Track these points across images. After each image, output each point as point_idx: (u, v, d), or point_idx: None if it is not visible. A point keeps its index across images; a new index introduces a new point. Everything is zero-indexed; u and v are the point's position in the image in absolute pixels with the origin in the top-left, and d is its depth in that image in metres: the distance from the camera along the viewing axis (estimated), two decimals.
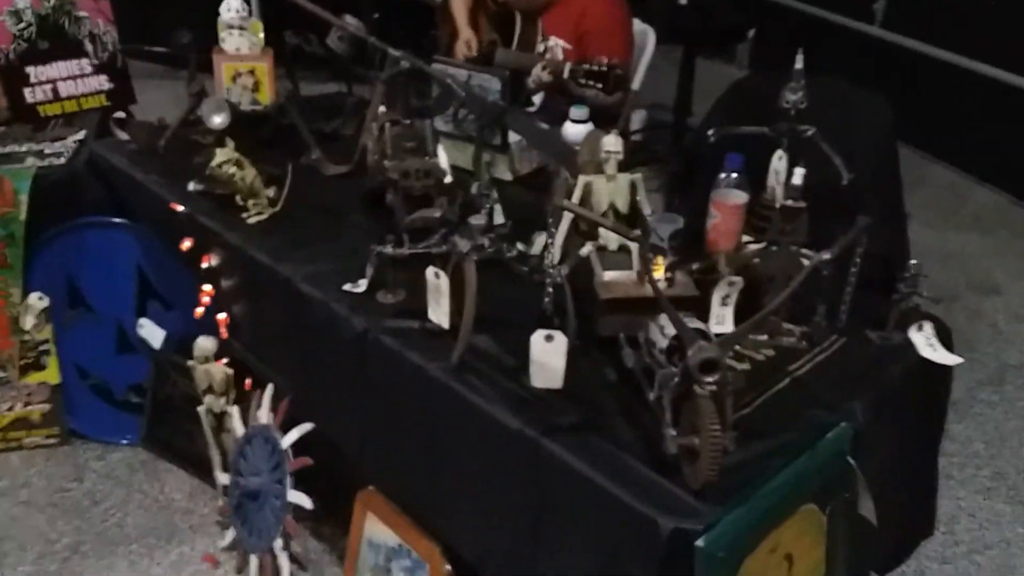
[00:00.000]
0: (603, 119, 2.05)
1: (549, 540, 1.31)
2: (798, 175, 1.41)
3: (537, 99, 2.62)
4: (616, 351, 1.40)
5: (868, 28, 4.51)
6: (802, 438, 1.28)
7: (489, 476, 1.38)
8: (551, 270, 1.36)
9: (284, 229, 1.85)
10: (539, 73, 2.31)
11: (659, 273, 1.39)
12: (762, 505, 1.17)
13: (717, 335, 1.33)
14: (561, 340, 1.24)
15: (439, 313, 1.44)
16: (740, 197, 1.72)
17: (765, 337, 1.50)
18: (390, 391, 1.52)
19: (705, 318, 1.46)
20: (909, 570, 2.01)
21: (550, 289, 1.31)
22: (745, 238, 1.73)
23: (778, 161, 1.63)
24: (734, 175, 1.72)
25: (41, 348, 2.26)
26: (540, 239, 1.79)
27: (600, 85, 2.12)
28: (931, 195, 3.91)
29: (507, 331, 1.47)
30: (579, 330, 1.40)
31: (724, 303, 1.47)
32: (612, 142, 1.62)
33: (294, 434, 1.85)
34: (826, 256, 1.17)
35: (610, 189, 1.65)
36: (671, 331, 1.20)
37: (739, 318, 1.47)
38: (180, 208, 1.96)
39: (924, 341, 1.52)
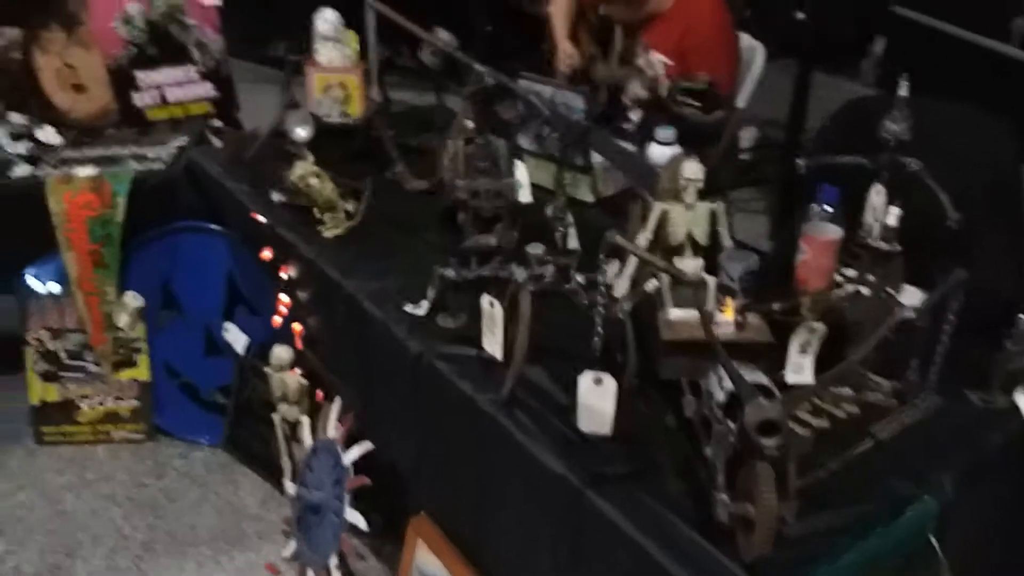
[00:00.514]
0: (703, 138, 1.94)
1: None
2: (893, 216, 1.27)
3: (636, 116, 2.52)
4: (677, 396, 1.30)
5: (1005, 48, 4.15)
6: (879, 511, 1.14)
7: (531, 518, 1.30)
8: (608, 304, 1.27)
9: (358, 244, 1.83)
10: (636, 89, 2.22)
11: (728, 315, 1.28)
12: None
13: (789, 388, 1.22)
14: (610, 384, 1.16)
15: (493, 343, 1.38)
16: (833, 232, 1.58)
17: (848, 391, 1.37)
18: (442, 418, 1.47)
19: (781, 366, 1.34)
20: None
21: (600, 327, 1.22)
22: (837, 278, 1.59)
23: (876, 196, 1.48)
24: (827, 208, 1.59)
25: (133, 346, 2.34)
26: (612, 268, 1.71)
27: (699, 103, 2.01)
28: None
29: (563, 366, 1.39)
30: (641, 370, 1.31)
31: (803, 351, 1.34)
32: (692, 169, 1.51)
33: (355, 451, 1.83)
34: (912, 309, 1.04)
35: (688, 218, 1.54)
36: (729, 384, 1.09)
37: (820, 369, 1.34)
38: (261, 218, 1.98)
39: None
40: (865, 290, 1.38)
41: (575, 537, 1.21)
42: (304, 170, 1.85)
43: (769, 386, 1.08)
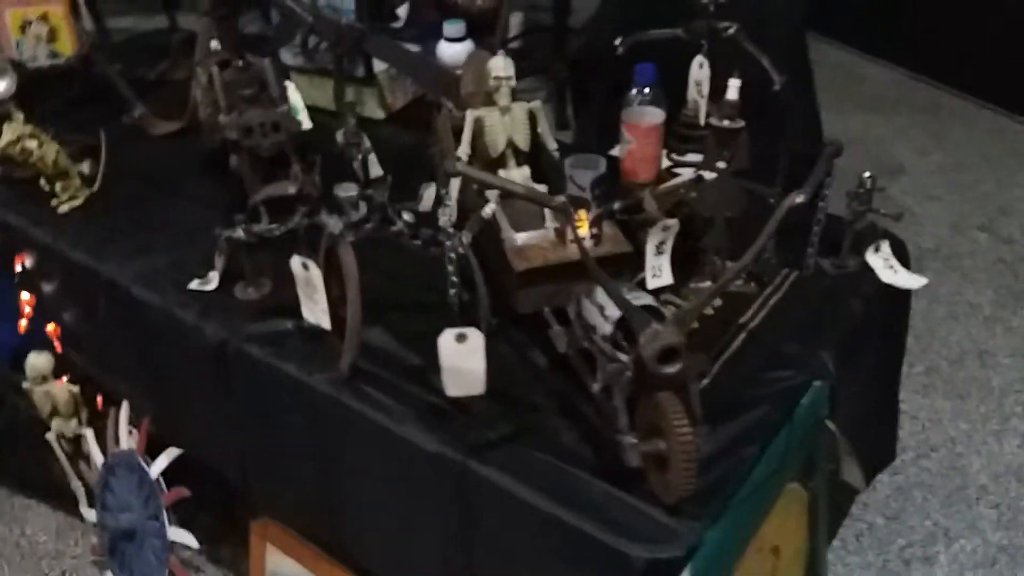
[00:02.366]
0: (479, 28, 1.74)
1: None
2: (733, 88, 1.15)
3: (402, 12, 2.24)
4: (540, 328, 1.14)
5: None
6: (775, 410, 1.06)
7: (407, 504, 1.11)
8: (449, 242, 1.07)
9: (106, 214, 1.48)
10: None
11: (583, 230, 1.13)
12: (747, 505, 0.96)
13: (660, 297, 1.09)
14: (477, 338, 0.97)
15: (316, 311, 1.14)
16: (657, 116, 1.46)
17: (709, 284, 1.28)
18: (267, 409, 1.23)
19: (634, 272, 1.22)
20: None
21: (452, 270, 1.02)
22: (665, 164, 1.49)
23: (699, 69, 1.37)
24: (647, 90, 1.46)
25: None
26: (429, 192, 1.50)
27: None
28: (826, 77, 3.74)
29: (407, 321, 1.19)
30: (491, 307, 1.13)
31: (659, 251, 1.23)
32: (502, 66, 1.32)
33: (162, 460, 1.53)
34: (800, 198, 0.93)
35: (505, 124, 1.36)
36: (614, 312, 0.94)
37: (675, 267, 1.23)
38: None
39: (883, 264, 1.33)
40: (708, 174, 1.28)
41: (465, 515, 1.04)
42: (16, 133, 1.45)
43: (656, 305, 0.94)
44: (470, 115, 1.35)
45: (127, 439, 1.59)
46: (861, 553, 1.82)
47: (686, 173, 1.38)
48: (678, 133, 1.44)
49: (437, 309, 1.22)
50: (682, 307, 1.17)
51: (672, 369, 0.89)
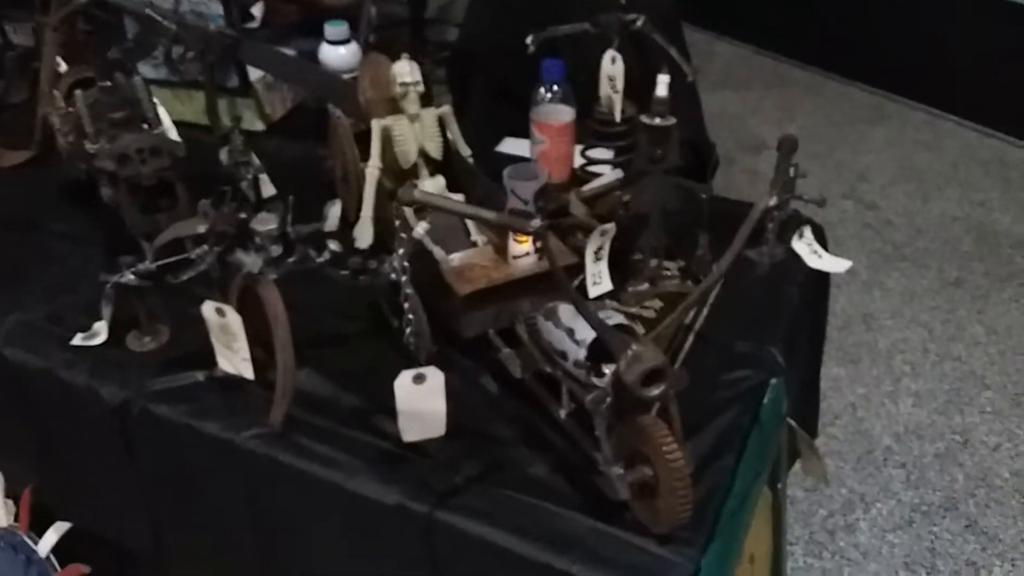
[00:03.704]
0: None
1: None
2: (663, 84, 1.10)
3: (257, 11, 2.07)
4: (485, 351, 1.06)
5: None
6: (743, 413, 1.03)
7: (366, 566, 1.01)
8: (390, 269, 0.97)
9: None
10: None
11: (525, 243, 1.05)
12: (735, 520, 0.92)
13: (617, 310, 1.04)
14: (437, 378, 0.88)
15: (235, 360, 1.01)
16: (568, 114, 1.41)
17: (646, 286, 1.24)
18: (185, 475, 1.08)
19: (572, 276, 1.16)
20: None
21: (409, 311, 0.92)
22: (578, 161, 1.43)
23: (612, 64, 1.32)
24: (555, 87, 1.41)
25: None
26: (334, 211, 1.38)
27: None
28: None
29: (338, 358, 1.08)
30: (432, 334, 1.05)
31: (597, 257, 1.17)
32: (408, 70, 1.22)
33: (51, 536, 1.34)
34: (773, 201, 0.89)
35: (416, 132, 1.26)
36: (586, 334, 0.87)
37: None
38: None
39: (808, 249, 1.32)
40: (612, 175, 1.23)
41: (436, 572, 0.94)
42: None
43: (628, 323, 0.88)
44: (376, 125, 1.25)
45: (5, 515, 1.39)
46: (788, 528, 1.86)
47: (607, 172, 1.33)
48: (592, 130, 1.38)
49: (370, 343, 1.12)
50: (630, 313, 1.12)
51: (657, 391, 0.83)
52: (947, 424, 2.13)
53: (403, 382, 0.87)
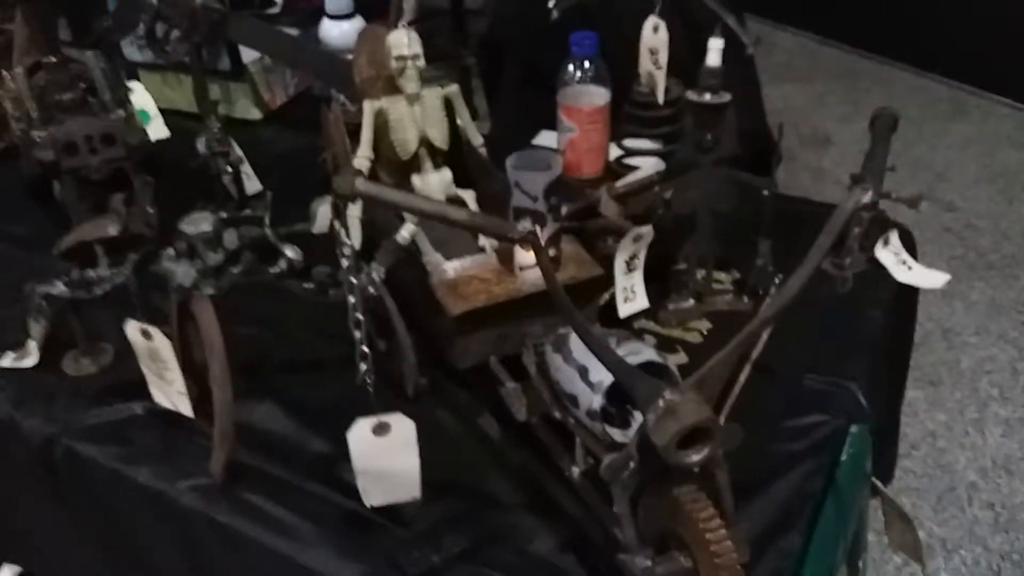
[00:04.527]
0: (368, 15, 1.44)
1: None
2: (715, 51, 0.88)
3: None
4: (486, 385, 0.85)
5: None
6: (812, 476, 0.80)
7: None
8: (354, 281, 0.76)
9: None
10: None
11: (532, 253, 0.83)
12: None
13: (634, 325, 0.82)
14: (405, 428, 0.67)
15: (169, 393, 0.81)
16: (602, 96, 1.18)
17: (692, 303, 1.01)
18: (121, 528, 0.89)
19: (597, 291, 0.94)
20: None
21: (360, 327, 0.70)
22: (614, 152, 1.21)
23: (653, 34, 1.10)
24: (587, 64, 1.18)
25: None
26: (324, 209, 1.17)
27: None
28: None
29: (310, 390, 0.88)
30: (418, 363, 0.84)
31: (630, 268, 0.95)
32: (406, 41, 1.02)
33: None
34: (867, 197, 0.65)
35: (415, 115, 1.06)
36: (603, 377, 0.65)
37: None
38: None
39: (895, 260, 1.08)
40: (650, 168, 1.01)
41: None
42: None
43: (660, 362, 0.66)
44: (369, 107, 1.05)
45: None
46: None
47: (645, 164, 1.11)
48: (630, 115, 1.16)
49: (346, 372, 0.91)
50: (670, 338, 0.90)
51: (698, 456, 0.61)
52: None
53: (360, 433, 0.66)
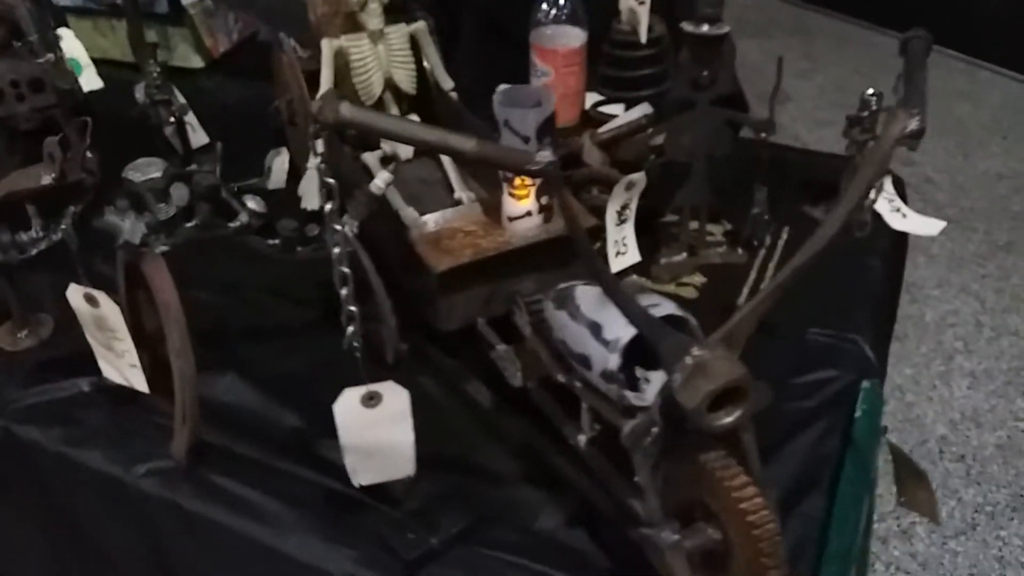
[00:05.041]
0: None
1: None
2: None
3: None
4: (473, 346, 0.77)
5: None
6: (828, 435, 0.75)
7: None
8: (333, 233, 0.67)
9: None
10: None
11: (525, 202, 0.75)
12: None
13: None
14: (398, 397, 0.59)
15: (121, 366, 0.72)
16: (578, 37, 1.10)
17: (684, 256, 0.95)
18: (72, 519, 0.80)
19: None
20: None
21: (346, 286, 0.61)
22: (591, 98, 1.14)
23: None
24: (562, 2, 1.10)
25: None
26: (279, 162, 1.08)
27: None
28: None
29: (278, 359, 0.79)
30: (399, 325, 0.76)
31: (622, 219, 0.88)
32: None
33: None
34: (914, 123, 0.59)
35: (379, 56, 0.97)
36: (620, 333, 0.58)
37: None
38: None
39: (890, 207, 1.04)
40: (638, 111, 0.93)
41: None
42: None
43: (682, 315, 0.59)
44: (328, 46, 0.95)
45: None
46: None
47: (631, 111, 1.04)
48: (610, 56, 1.08)
49: (318, 338, 0.83)
50: (662, 293, 0.83)
51: (730, 418, 0.54)
52: (1008, 409, 1.85)
53: (348, 404, 0.58)
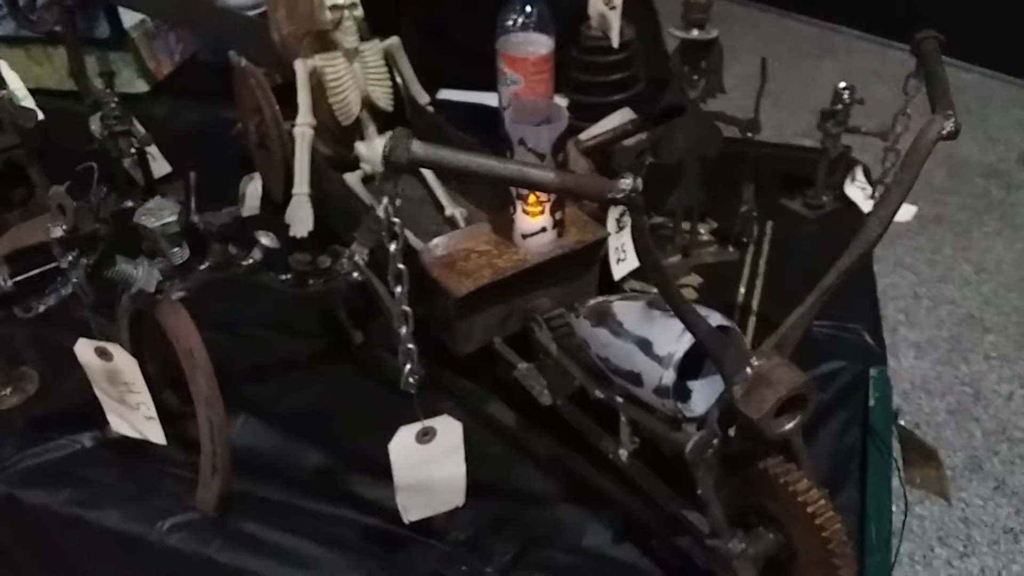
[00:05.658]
0: None
1: None
2: None
3: None
4: (485, 365, 0.76)
5: None
6: (848, 426, 0.77)
7: None
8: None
9: None
10: None
11: (539, 219, 0.74)
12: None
13: (625, 286, 0.76)
14: (452, 430, 0.58)
15: (135, 419, 0.68)
16: (545, 44, 1.10)
17: (679, 258, 0.95)
18: None
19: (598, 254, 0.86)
20: None
21: (403, 328, 0.59)
22: (558, 99, 1.14)
23: None
24: (529, 9, 1.09)
25: None
26: (253, 187, 1.04)
27: None
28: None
29: (289, 395, 0.77)
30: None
31: (620, 226, 0.88)
32: None
33: None
34: (950, 125, 0.60)
35: (356, 74, 0.94)
36: (671, 348, 0.58)
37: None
38: None
39: (864, 195, 1.07)
40: (619, 116, 0.94)
41: None
42: None
43: (730, 325, 0.59)
44: (302, 66, 0.92)
45: None
46: None
47: (611, 116, 1.04)
48: (579, 62, 1.08)
49: (327, 370, 0.80)
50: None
51: (791, 425, 0.55)
52: (954, 375, 1.94)
53: (403, 442, 0.56)
